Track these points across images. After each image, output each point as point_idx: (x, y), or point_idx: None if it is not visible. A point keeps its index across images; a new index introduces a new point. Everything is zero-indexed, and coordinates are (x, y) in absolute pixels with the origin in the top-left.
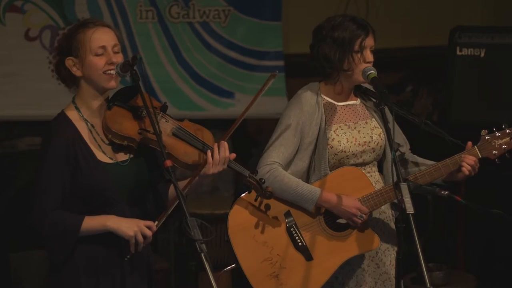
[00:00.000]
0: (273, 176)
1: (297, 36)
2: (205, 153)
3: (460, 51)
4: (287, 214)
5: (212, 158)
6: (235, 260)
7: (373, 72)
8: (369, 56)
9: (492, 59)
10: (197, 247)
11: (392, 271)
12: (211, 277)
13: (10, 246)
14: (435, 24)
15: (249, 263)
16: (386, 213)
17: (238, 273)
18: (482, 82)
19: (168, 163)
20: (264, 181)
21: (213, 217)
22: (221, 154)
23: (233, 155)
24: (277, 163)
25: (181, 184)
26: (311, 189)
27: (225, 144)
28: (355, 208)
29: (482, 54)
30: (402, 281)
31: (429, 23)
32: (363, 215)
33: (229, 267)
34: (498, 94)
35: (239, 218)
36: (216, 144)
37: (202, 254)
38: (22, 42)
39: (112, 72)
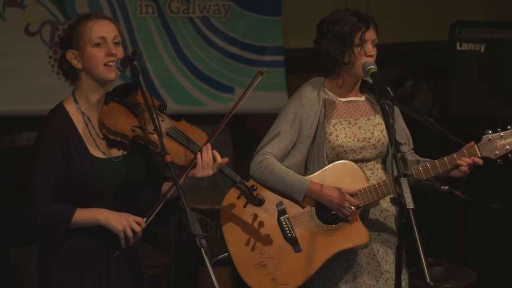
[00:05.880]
0: (264, 166)
1: (297, 31)
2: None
3: (460, 46)
4: (279, 205)
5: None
6: (226, 248)
7: (373, 67)
8: (370, 50)
9: (492, 54)
10: (197, 242)
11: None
12: (211, 272)
13: (10, 241)
14: (435, 19)
15: (238, 250)
16: (388, 211)
17: (232, 266)
18: (482, 77)
19: (168, 158)
20: (256, 188)
21: (213, 212)
22: (204, 157)
23: (226, 160)
24: (270, 153)
25: (168, 185)
26: (301, 179)
27: (207, 147)
28: (344, 199)
29: (482, 49)
30: (402, 276)
31: (429, 18)
32: (352, 208)
33: (221, 256)
34: (498, 89)
35: (233, 206)
36: (204, 147)
37: (202, 249)
38: (22, 37)
39: (112, 63)
